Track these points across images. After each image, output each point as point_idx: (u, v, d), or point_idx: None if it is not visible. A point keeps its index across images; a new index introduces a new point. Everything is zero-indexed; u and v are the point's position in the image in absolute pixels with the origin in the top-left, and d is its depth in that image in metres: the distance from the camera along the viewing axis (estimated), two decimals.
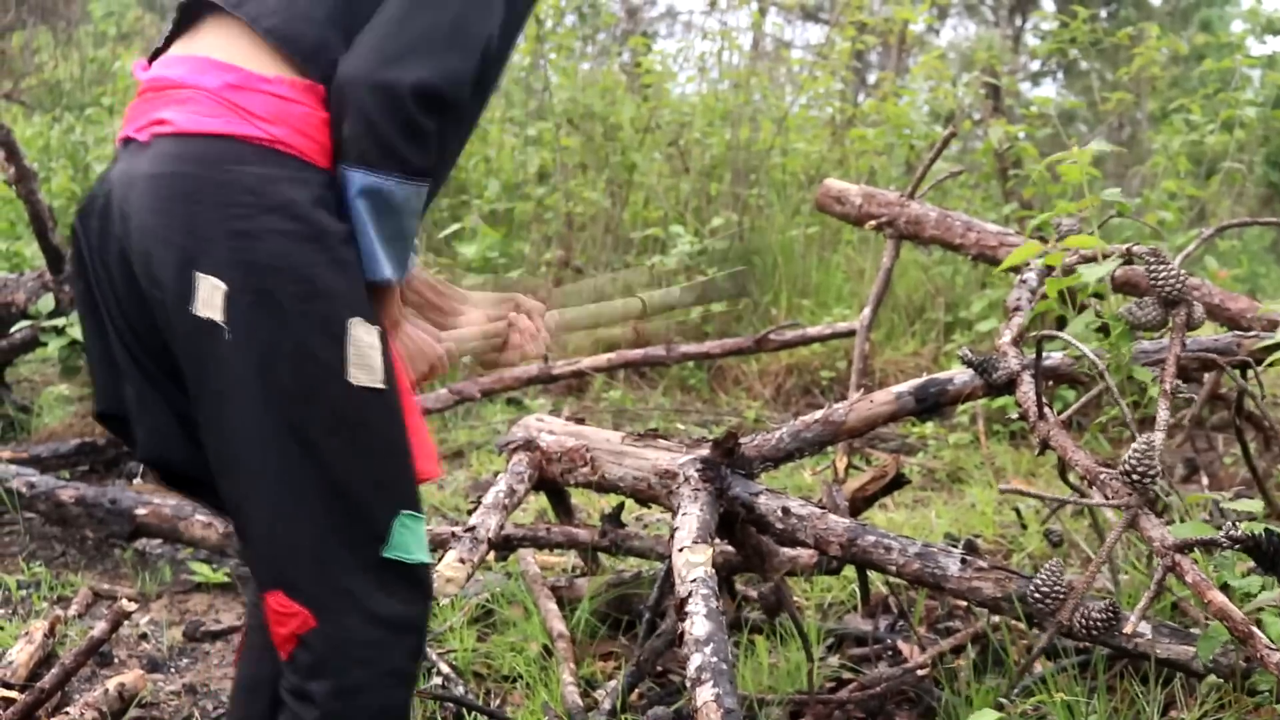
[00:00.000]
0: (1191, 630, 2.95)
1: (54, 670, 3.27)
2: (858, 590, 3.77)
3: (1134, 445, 2.73)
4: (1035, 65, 19.00)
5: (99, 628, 3.38)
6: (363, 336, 1.99)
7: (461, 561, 2.93)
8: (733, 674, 2.43)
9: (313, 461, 1.99)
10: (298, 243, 1.95)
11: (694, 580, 2.70)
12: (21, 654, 3.58)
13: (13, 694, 3.35)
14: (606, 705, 3.18)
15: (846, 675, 3.45)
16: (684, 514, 3.03)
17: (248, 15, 2.05)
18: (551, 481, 3.71)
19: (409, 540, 2.07)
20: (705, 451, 3.29)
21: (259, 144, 1.97)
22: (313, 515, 2.00)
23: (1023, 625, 3.05)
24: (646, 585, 3.77)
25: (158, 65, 2.12)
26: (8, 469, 4.94)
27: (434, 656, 3.50)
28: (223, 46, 2.05)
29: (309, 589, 2.02)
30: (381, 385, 2.02)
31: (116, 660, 3.78)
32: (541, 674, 3.40)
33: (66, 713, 3.20)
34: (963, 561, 2.98)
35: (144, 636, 4.00)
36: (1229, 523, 2.74)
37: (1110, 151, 4.19)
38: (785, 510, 3.17)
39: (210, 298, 1.92)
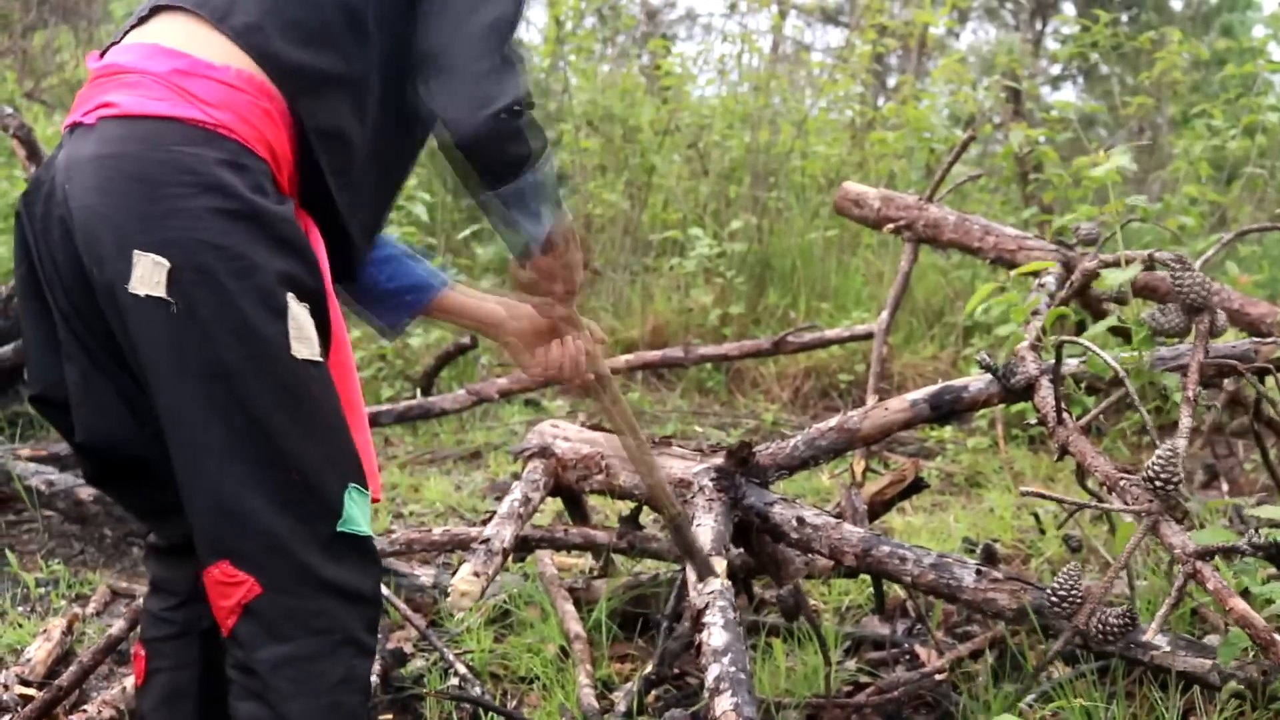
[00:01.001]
0: (1206, 641, 2.94)
1: (72, 668, 3.28)
2: (874, 596, 3.76)
3: (1158, 451, 2.72)
4: (1055, 69, 18.96)
5: (117, 625, 3.39)
6: (299, 312, 2.03)
7: (476, 575, 2.94)
8: (751, 683, 2.43)
9: (262, 434, 2.02)
10: (235, 221, 1.99)
11: (710, 593, 2.70)
12: (40, 651, 3.59)
13: (31, 691, 3.36)
14: (623, 707, 3.17)
15: (864, 679, 3.44)
16: (698, 525, 3.03)
17: (206, 11, 2.12)
18: (567, 488, 3.71)
19: (358, 514, 2.10)
20: (719, 460, 3.29)
21: (202, 127, 2.02)
22: (263, 487, 2.03)
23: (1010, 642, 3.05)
24: (664, 587, 3.77)
25: (111, 53, 2.17)
26: (27, 467, 4.96)
27: (451, 657, 3.50)
28: (174, 35, 2.11)
29: (257, 556, 2.03)
30: (320, 358, 2.06)
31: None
32: (558, 675, 3.40)
33: (84, 710, 3.21)
34: (978, 573, 2.98)
35: None
36: (1251, 529, 2.72)
37: (1133, 154, 4.18)
38: (800, 520, 3.17)
39: (149, 275, 1.95)
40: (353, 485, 2.10)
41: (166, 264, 1.96)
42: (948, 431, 6.43)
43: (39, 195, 2.12)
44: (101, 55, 2.22)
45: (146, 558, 2.52)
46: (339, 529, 2.07)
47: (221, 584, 2.04)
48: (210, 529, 2.05)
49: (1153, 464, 2.70)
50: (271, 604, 2.04)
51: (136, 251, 1.96)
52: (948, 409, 3.48)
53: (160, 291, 1.96)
